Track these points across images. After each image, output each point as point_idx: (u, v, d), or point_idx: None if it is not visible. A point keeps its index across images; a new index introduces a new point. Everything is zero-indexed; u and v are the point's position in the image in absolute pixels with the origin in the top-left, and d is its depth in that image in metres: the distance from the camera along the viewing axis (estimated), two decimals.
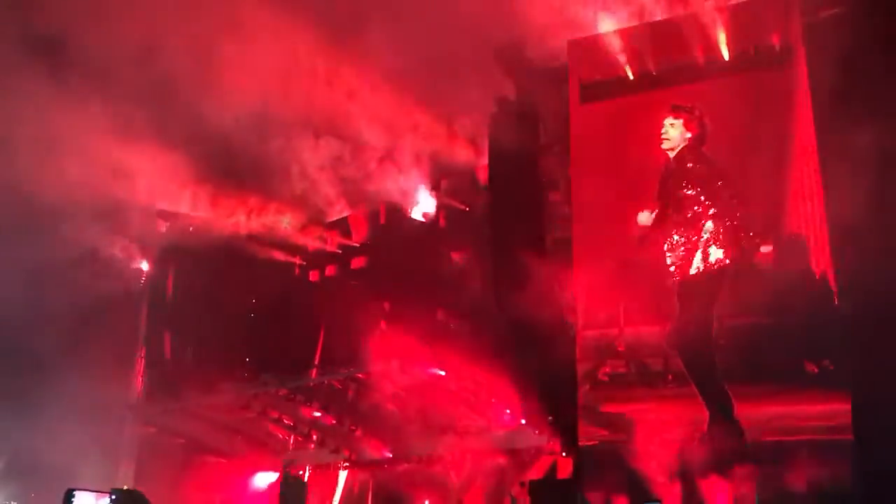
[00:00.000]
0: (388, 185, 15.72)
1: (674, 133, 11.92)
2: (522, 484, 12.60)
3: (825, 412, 10.28)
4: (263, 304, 17.68)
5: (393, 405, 15.15)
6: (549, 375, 12.56)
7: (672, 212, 11.77)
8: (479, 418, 14.27)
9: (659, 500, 10.71)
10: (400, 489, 15.06)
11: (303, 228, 17.42)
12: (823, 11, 11.32)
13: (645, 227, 11.95)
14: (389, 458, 15.60)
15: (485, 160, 14.62)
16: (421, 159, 15.35)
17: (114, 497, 13.05)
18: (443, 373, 13.83)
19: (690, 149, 11.81)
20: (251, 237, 17.52)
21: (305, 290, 17.45)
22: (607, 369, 11.97)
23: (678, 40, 12.26)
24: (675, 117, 11.93)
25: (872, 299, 9.77)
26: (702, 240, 11.51)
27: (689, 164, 11.74)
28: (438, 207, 15.63)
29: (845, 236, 10.33)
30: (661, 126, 12.12)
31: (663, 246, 11.81)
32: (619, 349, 11.86)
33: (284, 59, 14.73)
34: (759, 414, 10.74)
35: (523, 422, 13.49)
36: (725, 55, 12.03)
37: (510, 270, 12.80)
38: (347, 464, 16.35)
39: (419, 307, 14.74)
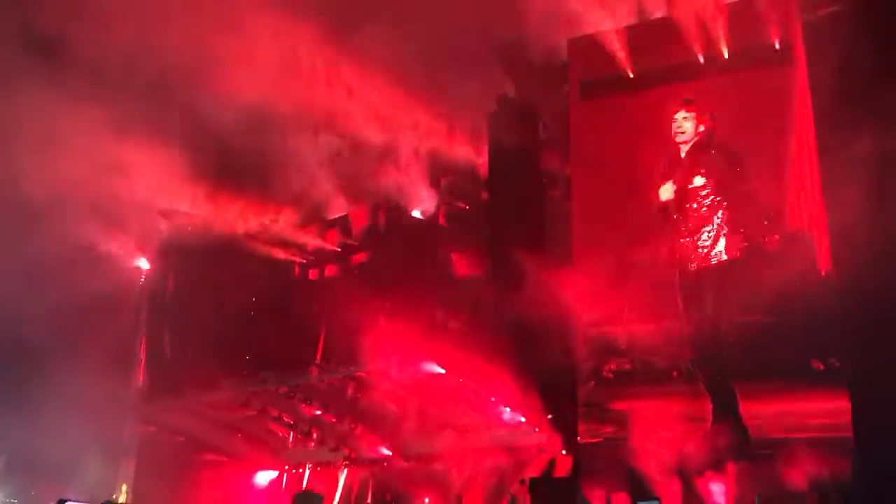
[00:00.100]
0: (388, 183, 15.71)
1: (688, 126, 11.95)
2: (522, 482, 12.58)
3: (829, 410, 10.30)
4: (263, 302, 17.67)
5: (393, 403, 15.14)
6: (549, 373, 12.57)
7: (686, 205, 11.75)
8: (479, 416, 14.25)
9: (658, 499, 10.72)
10: (400, 487, 15.05)
11: (302, 226, 17.42)
12: (822, 9, 11.31)
13: (666, 202, 11.93)
14: (389, 456, 15.59)
15: (485, 157, 14.61)
16: (421, 157, 15.34)
17: None
18: (442, 371, 13.81)
19: (705, 142, 11.81)
20: (251, 235, 17.51)
21: (305, 288, 17.45)
22: (612, 366, 11.98)
23: (678, 38, 12.26)
24: (688, 111, 11.94)
25: (872, 297, 9.76)
26: (714, 233, 11.52)
27: (706, 156, 11.76)
28: (438, 205, 15.62)
29: (845, 233, 10.32)
30: (660, 123, 12.17)
31: (669, 241, 11.82)
32: (623, 346, 11.87)
33: (284, 57, 14.71)
34: (764, 411, 10.77)
35: (523, 420, 13.48)
36: (725, 53, 12.04)
37: (510, 268, 12.78)
38: (347, 462, 16.34)
39: (419, 305, 14.72)
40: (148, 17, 14.30)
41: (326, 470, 16.66)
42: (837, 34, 10.63)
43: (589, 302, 12.08)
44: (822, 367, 10.50)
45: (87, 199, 16.10)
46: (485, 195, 14.71)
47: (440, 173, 15.54)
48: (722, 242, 11.48)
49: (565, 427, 12.69)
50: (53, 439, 16.21)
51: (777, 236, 11.21)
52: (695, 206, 11.71)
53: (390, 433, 15.46)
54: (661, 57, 12.52)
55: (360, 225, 16.96)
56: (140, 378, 19.06)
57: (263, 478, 17.49)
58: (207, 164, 16.63)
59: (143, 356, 19.28)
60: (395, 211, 16.05)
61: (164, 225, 18.72)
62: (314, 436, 16.79)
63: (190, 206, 17.78)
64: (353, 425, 15.95)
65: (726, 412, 10.99)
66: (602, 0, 12.97)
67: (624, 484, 11.33)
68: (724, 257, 11.43)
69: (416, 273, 15.37)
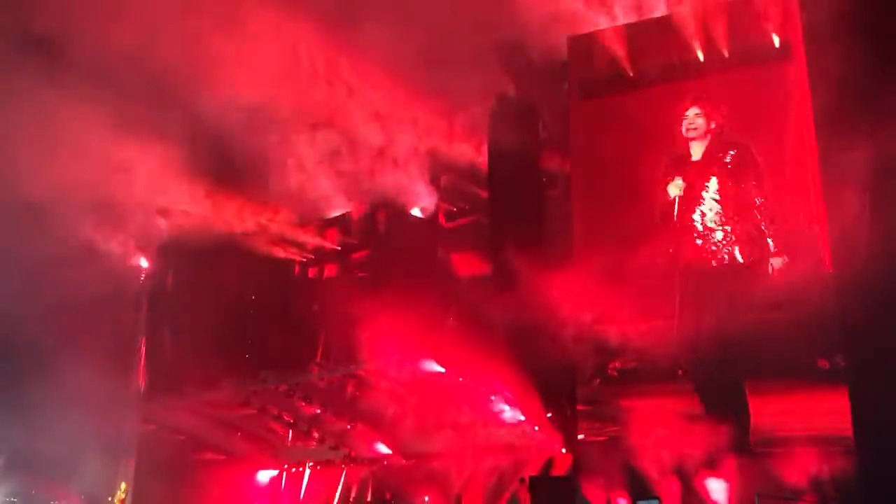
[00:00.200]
0: (388, 182, 15.69)
1: (700, 122, 11.90)
2: (522, 480, 12.59)
3: (831, 409, 10.27)
4: (263, 300, 17.68)
5: (392, 402, 15.14)
6: (548, 372, 12.55)
7: (698, 203, 11.72)
8: (479, 415, 14.25)
9: (658, 498, 10.71)
10: (400, 486, 15.05)
11: (302, 225, 17.41)
12: (823, 7, 11.26)
13: (673, 200, 11.84)
14: (389, 454, 15.60)
15: (484, 156, 14.59)
16: (421, 156, 15.32)
17: None
18: (442, 369, 13.81)
19: (718, 138, 11.78)
20: (251, 234, 17.49)
21: (305, 287, 17.45)
22: (617, 364, 11.97)
23: (678, 36, 12.23)
24: (699, 107, 11.90)
25: (872, 297, 9.74)
26: (728, 232, 11.50)
27: (721, 154, 11.70)
28: (438, 204, 15.60)
29: (846, 231, 10.30)
30: (660, 121, 12.15)
31: (673, 239, 11.80)
32: (626, 344, 11.83)
33: (284, 56, 14.70)
34: (768, 410, 10.76)
35: (523, 418, 13.47)
36: (725, 51, 12.01)
37: (509, 266, 12.76)
38: (347, 461, 16.33)
39: (418, 303, 14.70)
40: (146, 17, 14.27)
41: (326, 469, 16.67)
42: (838, 32, 10.59)
43: (590, 300, 12.05)
44: (827, 366, 10.47)
45: (86, 198, 16.10)
46: (484, 194, 14.68)
47: (440, 172, 15.52)
48: (734, 241, 11.43)
49: (565, 426, 12.67)
50: (53, 438, 16.23)
51: (781, 235, 11.17)
52: (707, 204, 11.65)
53: (390, 432, 15.46)
54: (661, 55, 12.48)
55: (359, 224, 16.95)
56: (140, 377, 19.07)
57: (263, 476, 17.49)
58: (207, 162, 16.63)
59: (142, 355, 19.28)
60: (394, 210, 16.03)
61: (163, 223, 18.71)
62: (314, 435, 16.79)
63: (189, 205, 17.77)
64: (352, 424, 15.96)
65: (730, 411, 10.96)
66: None
67: (624, 483, 11.33)
68: (738, 256, 11.39)
69: (416, 271, 15.36)
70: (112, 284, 18.27)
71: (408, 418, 14.98)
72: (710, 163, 11.76)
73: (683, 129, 11.96)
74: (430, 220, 15.65)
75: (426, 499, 14.51)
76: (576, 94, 13.28)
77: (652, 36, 12.63)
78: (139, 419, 18.53)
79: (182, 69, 14.17)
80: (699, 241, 11.66)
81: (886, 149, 9.74)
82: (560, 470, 12.76)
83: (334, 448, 16.44)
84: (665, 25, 12.50)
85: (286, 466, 17.36)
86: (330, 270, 17.44)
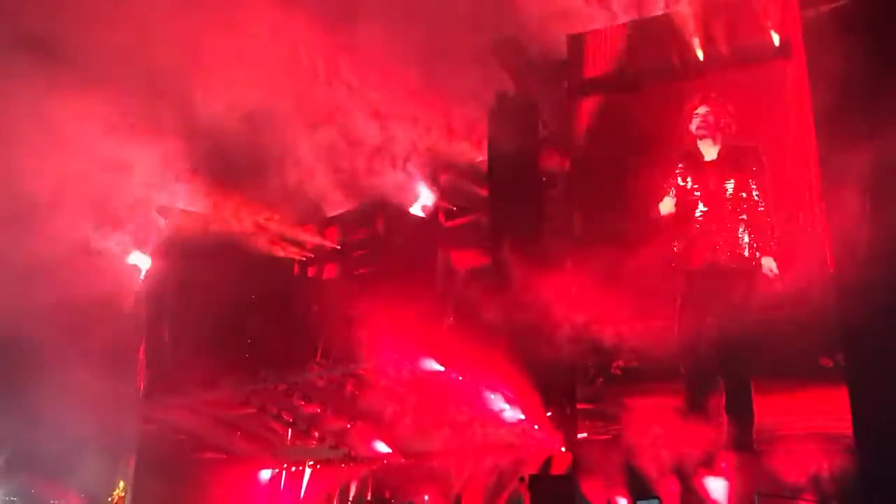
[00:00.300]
0: (388, 181, 15.68)
1: (711, 120, 11.86)
2: (521, 479, 12.58)
3: (835, 407, 10.22)
4: (263, 299, 17.66)
5: (392, 401, 15.13)
6: (548, 371, 12.54)
7: (709, 202, 11.70)
8: (478, 413, 14.24)
9: (658, 498, 10.70)
10: (399, 485, 15.06)
11: (302, 224, 17.40)
12: (823, 5, 11.25)
13: (665, 217, 11.84)
14: (389, 453, 15.59)
15: (484, 155, 14.58)
16: (420, 154, 15.31)
17: None
18: (441, 368, 13.81)
19: (730, 139, 11.73)
20: (250, 233, 17.49)
21: (304, 286, 17.45)
22: (621, 363, 11.96)
23: (677, 35, 12.20)
24: (709, 105, 11.88)
25: (872, 295, 9.73)
26: (740, 231, 11.48)
27: (736, 156, 11.65)
28: (437, 202, 15.59)
29: (845, 230, 10.28)
30: (660, 120, 12.14)
31: (676, 239, 11.78)
32: (628, 344, 11.82)
33: (283, 54, 14.67)
34: (768, 409, 10.76)
35: (522, 417, 13.46)
36: (725, 50, 11.99)
37: (509, 265, 12.75)
38: (347, 459, 16.33)
39: (418, 302, 14.70)
40: (144, 14, 14.25)
41: (326, 468, 16.67)
42: (838, 30, 10.57)
43: (590, 299, 12.03)
44: (830, 364, 10.46)
45: (85, 196, 16.10)
46: (484, 192, 14.67)
47: (439, 170, 15.51)
48: (736, 241, 11.42)
49: (564, 424, 12.66)
50: (53, 438, 16.24)
51: (781, 234, 11.17)
52: (714, 204, 11.62)
53: (390, 430, 15.46)
54: (660, 54, 12.46)
55: (359, 222, 16.94)
56: (139, 376, 19.07)
57: (263, 476, 17.49)
58: (206, 161, 16.63)
59: (142, 354, 19.29)
60: (394, 208, 16.02)
61: (163, 223, 18.71)
62: (314, 434, 16.79)
63: (189, 204, 17.77)
64: (352, 423, 15.95)
65: (732, 410, 10.96)
66: None
67: (623, 482, 11.32)
68: (739, 256, 11.37)
69: (416, 270, 15.36)
70: (112, 284, 18.26)
71: (407, 417, 14.98)
72: (725, 164, 11.69)
73: (693, 127, 11.89)
74: (430, 219, 15.65)
75: (426, 498, 14.52)
76: (575, 92, 13.26)
77: (651, 34, 12.60)
78: (139, 418, 18.54)
79: (181, 67, 14.15)
80: (702, 241, 11.64)
81: (887, 148, 9.72)
82: (560, 469, 12.75)
83: (334, 447, 16.44)
84: (665, 24, 12.47)
85: (286, 466, 17.37)
86: (329, 269, 17.45)
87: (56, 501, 18.38)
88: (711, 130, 11.78)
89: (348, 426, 15.99)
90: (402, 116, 14.92)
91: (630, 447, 11.23)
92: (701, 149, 11.85)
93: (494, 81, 14.06)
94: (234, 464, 17.60)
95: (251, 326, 17.45)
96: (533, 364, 12.58)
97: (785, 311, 10.66)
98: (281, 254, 17.47)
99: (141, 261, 19.47)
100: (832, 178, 10.59)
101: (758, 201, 11.42)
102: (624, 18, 12.96)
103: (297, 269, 17.62)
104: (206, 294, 17.45)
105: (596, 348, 12.04)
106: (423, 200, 15.65)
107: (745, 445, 10.73)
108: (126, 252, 18.94)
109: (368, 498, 15.76)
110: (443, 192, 15.53)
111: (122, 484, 18.17)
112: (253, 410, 16.70)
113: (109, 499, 18.22)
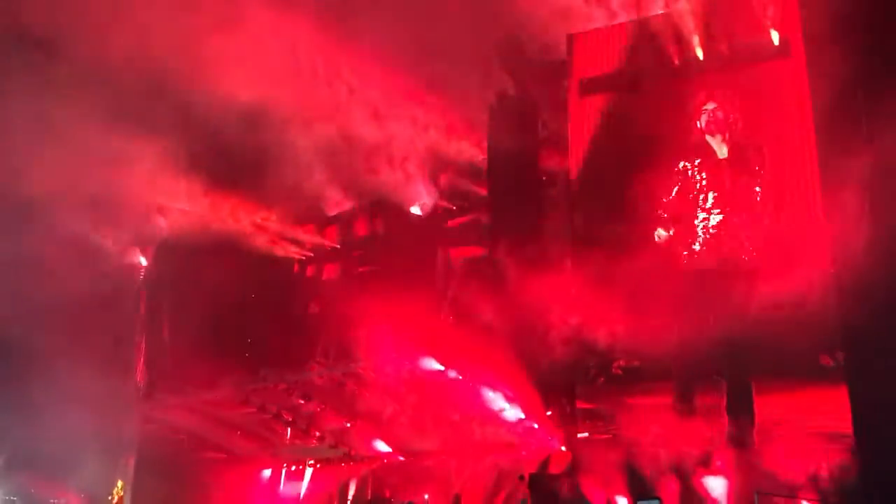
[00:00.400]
0: (388, 180, 15.67)
1: (720, 116, 11.88)
2: (521, 477, 12.60)
3: (835, 406, 10.27)
4: (262, 299, 17.65)
5: (392, 400, 15.14)
6: (548, 371, 12.55)
7: (714, 201, 11.69)
8: (478, 413, 14.24)
9: (658, 498, 10.71)
10: (399, 483, 15.06)
11: (302, 223, 17.39)
12: (822, 5, 11.25)
13: (670, 216, 11.83)
14: (388, 452, 15.60)
15: (484, 154, 14.59)
16: (420, 154, 15.30)
17: None
18: (441, 367, 13.81)
19: (738, 136, 11.75)
20: (251, 232, 17.48)
21: (304, 285, 17.43)
22: (622, 363, 11.96)
23: (677, 34, 12.22)
24: (717, 101, 11.87)
25: (872, 295, 9.74)
26: (734, 231, 11.49)
27: (747, 155, 11.69)
28: (437, 201, 15.59)
29: (845, 230, 10.29)
30: (659, 119, 12.14)
31: (677, 238, 11.78)
32: (628, 344, 11.82)
33: (283, 54, 14.66)
34: (769, 407, 10.78)
35: (522, 416, 13.48)
36: (724, 48, 12.00)
37: (509, 264, 12.76)
38: (347, 458, 16.33)
39: (418, 301, 14.69)
40: (144, 15, 14.23)
41: (326, 467, 16.67)
42: (837, 29, 10.58)
43: (590, 298, 12.04)
44: (830, 363, 10.49)
45: (85, 196, 16.08)
46: (484, 192, 14.68)
47: (439, 170, 15.51)
48: (737, 241, 11.43)
49: (564, 423, 12.67)
50: (53, 437, 16.21)
51: (781, 234, 11.18)
52: (718, 203, 11.63)
53: (389, 429, 15.46)
54: (660, 53, 12.46)
55: (359, 221, 16.93)
56: (139, 376, 19.06)
57: (263, 475, 17.49)
58: (206, 160, 16.61)
59: (142, 354, 19.28)
60: (394, 207, 16.01)
61: (162, 222, 18.69)
62: (314, 433, 16.79)
63: (189, 203, 17.75)
64: (352, 422, 15.95)
65: (733, 409, 10.98)
66: None
67: (623, 481, 11.33)
68: (741, 256, 11.38)
69: (415, 269, 15.35)
70: (111, 283, 18.25)
71: (407, 416, 14.99)
72: (736, 163, 11.71)
73: (702, 124, 11.89)
74: (430, 218, 15.65)
75: (426, 496, 14.52)
76: (575, 91, 13.28)
77: (652, 34, 12.61)
78: (139, 418, 18.53)
79: (181, 68, 14.13)
80: (701, 241, 11.65)
81: (886, 148, 9.73)
82: (559, 467, 12.77)
83: (334, 446, 16.44)
84: (664, 23, 12.48)
85: (286, 465, 17.36)
86: (329, 269, 17.43)
87: (56, 501, 18.35)
88: (721, 126, 11.80)
89: (348, 425, 15.99)
90: (402, 116, 14.91)
91: (631, 446, 11.24)
92: (712, 145, 11.87)
93: (494, 81, 14.08)
94: (234, 463, 17.58)
95: (251, 326, 17.44)
96: (533, 363, 12.60)
97: (785, 311, 10.69)
98: (281, 253, 17.46)
99: (141, 260, 19.47)
100: (832, 178, 10.61)
101: (760, 202, 11.45)
102: (623, 18, 12.97)
103: (296, 268, 17.60)
104: (205, 293, 17.43)
105: (596, 348, 12.05)
106: (423, 200, 15.63)
107: (746, 444, 10.75)
108: (126, 251, 18.94)
109: (368, 497, 15.75)
110: (442, 192, 15.52)
111: (121, 483, 18.17)
112: (253, 410, 16.68)
113: (109, 498, 18.21)
